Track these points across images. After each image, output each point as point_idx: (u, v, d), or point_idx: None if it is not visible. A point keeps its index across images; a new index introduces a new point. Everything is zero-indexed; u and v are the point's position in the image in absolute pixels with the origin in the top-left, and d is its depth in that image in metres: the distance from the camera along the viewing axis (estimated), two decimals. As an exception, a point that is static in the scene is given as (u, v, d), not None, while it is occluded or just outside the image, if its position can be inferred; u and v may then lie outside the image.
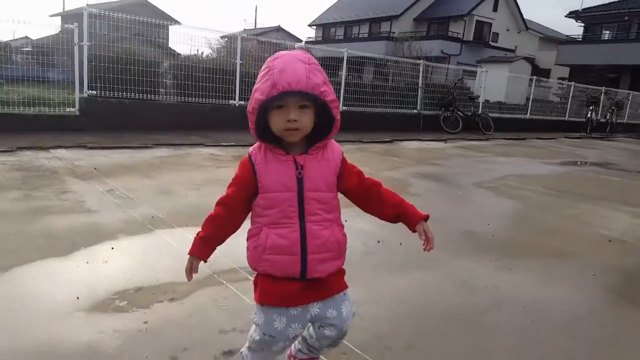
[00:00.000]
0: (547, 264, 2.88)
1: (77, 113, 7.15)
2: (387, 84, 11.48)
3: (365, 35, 36.22)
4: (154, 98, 7.92)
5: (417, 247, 2.90)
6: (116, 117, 7.36)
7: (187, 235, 2.82)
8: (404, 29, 32.79)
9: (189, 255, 1.36)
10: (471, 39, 32.15)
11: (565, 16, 32.67)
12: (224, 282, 2.22)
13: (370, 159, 6.66)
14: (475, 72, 14.12)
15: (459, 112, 11.69)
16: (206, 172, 4.90)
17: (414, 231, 1.39)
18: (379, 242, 2.99)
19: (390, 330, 1.89)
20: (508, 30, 34.11)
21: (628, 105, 17.71)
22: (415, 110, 11.57)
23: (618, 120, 16.59)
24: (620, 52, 26.95)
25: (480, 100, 12.90)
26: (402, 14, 33.81)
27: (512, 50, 33.86)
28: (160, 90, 8.32)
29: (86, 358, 1.58)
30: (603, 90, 16.56)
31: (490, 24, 33.03)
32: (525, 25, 35.12)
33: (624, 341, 1.99)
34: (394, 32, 32.85)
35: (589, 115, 14.59)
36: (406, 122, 11.17)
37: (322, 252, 1.30)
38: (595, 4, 30.73)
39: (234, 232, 1.38)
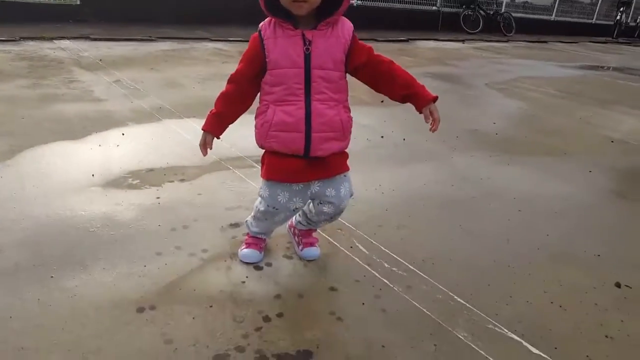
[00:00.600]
0: (545, 160, 2.93)
1: (78, 2, 6.86)
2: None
3: None
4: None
5: (420, 143, 3.00)
6: (118, 8, 7.06)
7: (195, 126, 2.88)
8: None
9: (202, 131, 1.41)
10: None
11: None
12: (231, 167, 2.33)
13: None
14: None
15: (480, 11, 10.99)
16: (212, 66, 4.83)
17: (421, 112, 1.39)
18: (382, 137, 3.03)
19: (384, 213, 2.02)
20: None
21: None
22: (434, 7, 10.88)
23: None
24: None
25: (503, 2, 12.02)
26: None
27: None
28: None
29: (105, 224, 1.73)
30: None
31: None
32: None
33: (606, 230, 2.11)
34: None
35: (618, 17, 13.64)
36: (424, 20, 10.57)
37: (325, 131, 1.33)
38: None
39: (244, 109, 1.42)
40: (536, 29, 12.57)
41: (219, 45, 6.09)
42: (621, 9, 13.66)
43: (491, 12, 11.25)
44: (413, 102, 1.38)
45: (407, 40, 8.52)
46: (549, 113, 4.22)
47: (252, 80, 1.37)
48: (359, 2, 9.48)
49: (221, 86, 1.42)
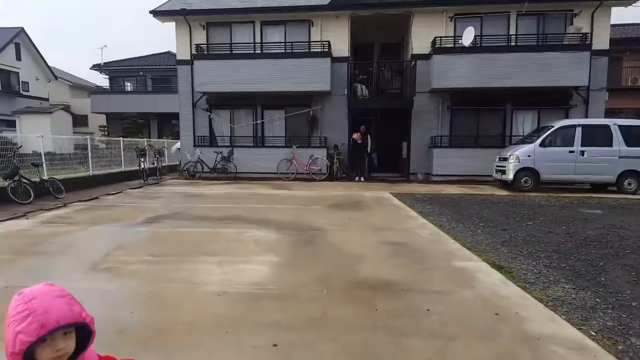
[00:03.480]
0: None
1: None
2: None
3: None
4: None
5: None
6: None
7: None
8: None
9: None
10: (0, 89, 29.16)
11: (90, 68, 35.10)
12: None
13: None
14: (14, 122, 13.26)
15: (25, 180, 11.08)
16: None
17: None
18: None
19: None
20: (38, 79, 33.12)
21: (166, 152, 21.66)
22: (-29, 187, 10.00)
23: (162, 165, 20.04)
24: (143, 101, 31.78)
25: (44, 169, 12.52)
26: None
27: (46, 99, 33.04)
28: None
29: None
30: (146, 144, 19.55)
31: (18, 73, 31.06)
32: (55, 75, 35.06)
33: None
34: None
35: (142, 166, 16.96)
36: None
37: None
38: (116, 59, 34.60)
39: None
40: (82, 186, 13.79)
41: None
42: (142, 159, 17.04)
43: (37, 180, 11.53)
44: None
45: (-41, 235, 7.57)
46: (158, 283, 4.86)
47: None
48: None
49: None
